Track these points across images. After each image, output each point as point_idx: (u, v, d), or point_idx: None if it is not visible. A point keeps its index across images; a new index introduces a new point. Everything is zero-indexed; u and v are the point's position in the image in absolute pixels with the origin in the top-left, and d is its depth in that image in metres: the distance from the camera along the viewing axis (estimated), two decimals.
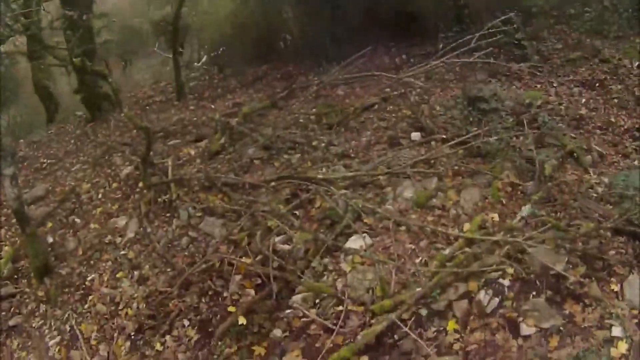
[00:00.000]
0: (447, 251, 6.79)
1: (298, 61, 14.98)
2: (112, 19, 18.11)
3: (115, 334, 7.47)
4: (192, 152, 10.46)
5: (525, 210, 7.20)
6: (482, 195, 7.68)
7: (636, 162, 8.47)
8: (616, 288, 6.13)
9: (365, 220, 7.58)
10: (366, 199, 7.98)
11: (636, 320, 5.77)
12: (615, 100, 10.05)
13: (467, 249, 6.71)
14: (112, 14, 18.84)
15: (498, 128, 8.63)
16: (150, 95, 17.12)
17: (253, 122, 10.92)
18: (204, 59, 18.78)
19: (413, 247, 7.06)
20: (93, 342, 7.51)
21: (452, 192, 7.78)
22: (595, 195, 7.68)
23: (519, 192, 7.74)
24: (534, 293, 6.17)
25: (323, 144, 9.52)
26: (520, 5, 12.31)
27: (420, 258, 6.90)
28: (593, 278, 6.22)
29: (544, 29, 12.49)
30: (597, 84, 10.64)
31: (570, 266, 6.34)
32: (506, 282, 6.28)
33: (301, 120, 10.60)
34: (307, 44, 15.11)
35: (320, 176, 8.45)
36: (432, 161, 8.49)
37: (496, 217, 7.26)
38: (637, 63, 11.22)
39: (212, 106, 13.51)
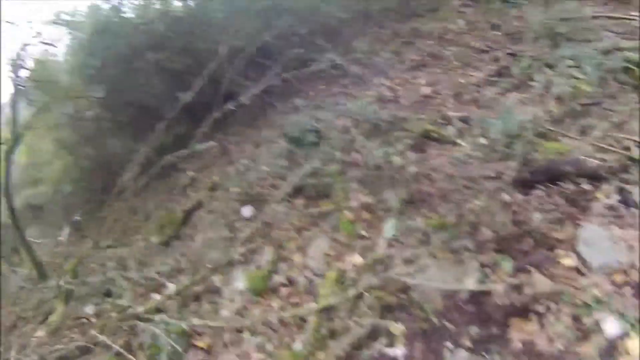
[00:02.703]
0: (298, 344, 4.50)
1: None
2: None
3: None
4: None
5: (389, 227, 4.98)
6: (332, 240, 5.43)
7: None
8: None
9: (198, 344, 5.28)
10: (201, 313, 5.67)
11: None
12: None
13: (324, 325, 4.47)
14: None
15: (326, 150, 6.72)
16: (22, 287, 15.08)
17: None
18: (66, 230, 17.24)
19: (263, 356, 4.71)
20: None
21: (297, 256, 5.53)
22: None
23: (380, 211, 5.52)
24: None
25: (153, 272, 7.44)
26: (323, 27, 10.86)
27: None
28: None
29: (354, 38, 10.90)
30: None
31: None
32: None
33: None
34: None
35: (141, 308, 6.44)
36: (267, 229, 6.28)
37: (357, 258, 5.00)
38: None
39: None
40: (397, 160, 5.89)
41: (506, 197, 4.87)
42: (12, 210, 13.02)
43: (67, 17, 13.61)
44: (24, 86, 13.99)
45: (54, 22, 13.78)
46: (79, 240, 15.55)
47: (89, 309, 8.00)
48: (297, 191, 6.60)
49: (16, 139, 13.38)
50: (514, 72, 7.48)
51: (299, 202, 6.48)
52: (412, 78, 8.63)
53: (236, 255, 6.02)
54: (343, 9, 11.46)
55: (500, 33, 9.12)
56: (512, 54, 8.06)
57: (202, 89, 12.15)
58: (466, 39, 9.24)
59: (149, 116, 13.28)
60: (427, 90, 7.95)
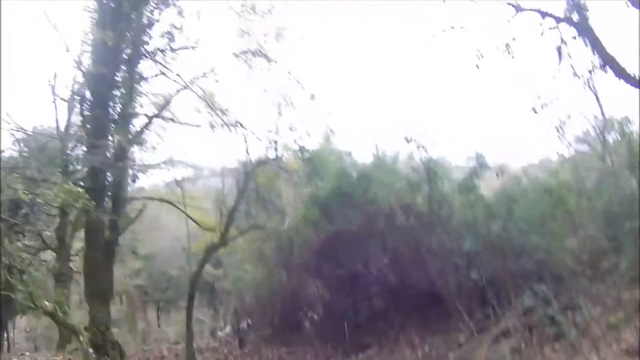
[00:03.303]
0: None
1: (317, 346, 14.54)
2: (153, 262, 20.17)
3: None
4: None
5: None
6: None
7: None
8: None
9: None
10: None
11: None
12: None
13: None
14: (154, 257, 20.80)
15: None
16: (162, 357, 16.81)
17: None
18: (227, 329, 19.14)
19: None
20: None
21: None
22: None
23: None
24: None
25: None
26: (549, 271, 11.76)
27: None
28: None
29: (579, 294, 11.34)
30: None
31: None
32: None
33: None
34: (327, 326, 15.09)
35: None
36: None
37: None
38: None
39: None
40: None
41: None
42: (192, 291, 14.84)
43: (309, 156, 15.38)
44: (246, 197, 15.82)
45: (302, 156, 15.47)
46: (234, 348, 16.96)
47: None
48: None
49: (224, 243, 15.16)
50: None
51: None
52: None
53: None
54: (571, 258, 12.34)
55: None
56: None
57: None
58: None
59: (349, 283, 14.70)
60: None
